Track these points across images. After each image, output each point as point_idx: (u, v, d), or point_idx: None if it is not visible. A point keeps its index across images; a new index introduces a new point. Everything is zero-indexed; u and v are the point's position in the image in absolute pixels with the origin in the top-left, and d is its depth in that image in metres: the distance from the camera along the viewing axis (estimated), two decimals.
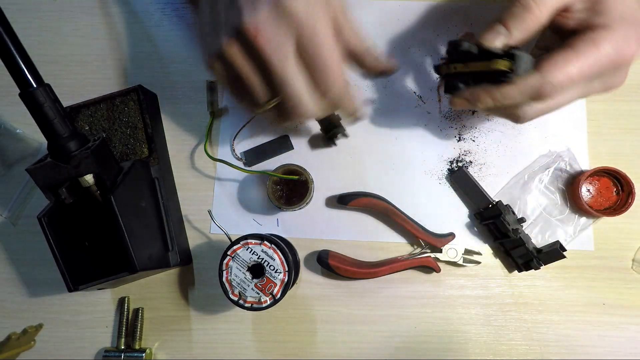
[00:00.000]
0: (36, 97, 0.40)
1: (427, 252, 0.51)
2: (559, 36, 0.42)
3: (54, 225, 0.43)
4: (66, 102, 0.48)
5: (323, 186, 0.54)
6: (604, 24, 0.38)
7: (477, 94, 0.40)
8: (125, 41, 0.58)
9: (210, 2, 0.39)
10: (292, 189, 0.50)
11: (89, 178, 0.43)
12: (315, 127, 0.55)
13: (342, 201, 0.51)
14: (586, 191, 0.52)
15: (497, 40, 0.38)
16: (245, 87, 0.40)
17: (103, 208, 0.43)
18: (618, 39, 0.37)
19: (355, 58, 0.41)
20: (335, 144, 0.53)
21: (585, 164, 0.53)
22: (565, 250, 0.49)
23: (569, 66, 0.37)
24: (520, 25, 0.38)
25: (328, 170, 0.54)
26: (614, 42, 0.37)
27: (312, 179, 0.50)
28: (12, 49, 0.39)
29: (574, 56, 0.37)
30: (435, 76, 0.55)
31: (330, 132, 0.51)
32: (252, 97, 0.40)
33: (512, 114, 0.42)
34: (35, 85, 0.40)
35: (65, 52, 0.58)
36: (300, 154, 0.55)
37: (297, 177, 0.49)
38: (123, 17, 0.59)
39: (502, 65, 0.38)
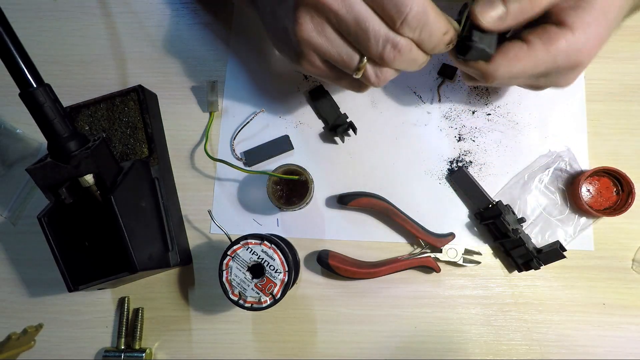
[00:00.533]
0: (36, 97, 0.40)
1: (427, 252, 0.51)
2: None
3: (54, 225, 0.43)
4: (66, 102, 0.48)
5: (323, 186, 0.54)
6: (571, 23, 0.36)
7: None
8: (125, 41, 0.58)
9: (271, 10, 0.40)
10: (292, 189, 0.50)
11: (89, 178, 0.43)
12: (316, 126, 0.55)
13: (342, 201, 0.51)
14: (586, 191, 0.52)
15: (490, 16, 0.36)
16: (336, 61, 0.38)
17: (103, 208, 0.43)
18: (574, 46, 0.37)
19: None
20: (342, 140, 0.54)
21: (585, 164, 0.53)
22: (565, 250, 0.49)
23: (516, 64, 0.37)
24: (520, 7, 0.36)
25: (328, 170, 0.54)
26: (569, 48, 0.37)
27: (312, 179, 0.50)
28: (12, 49, 0.39)
29: (525, 55, 0.37)
30: (435, 76, 0.55)
31: (339, 126, 0.52)
32: (347, 67, 0.38)
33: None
34: (35, 85, 0.40)
35: (65, 52, 0.58)
36: (300, 154, 0.55)
37: (297, 177, 0.49)
38: (123, 17, 0.59)
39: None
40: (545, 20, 0.38)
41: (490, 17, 0.36)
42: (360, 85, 0.42)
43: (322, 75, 0.41)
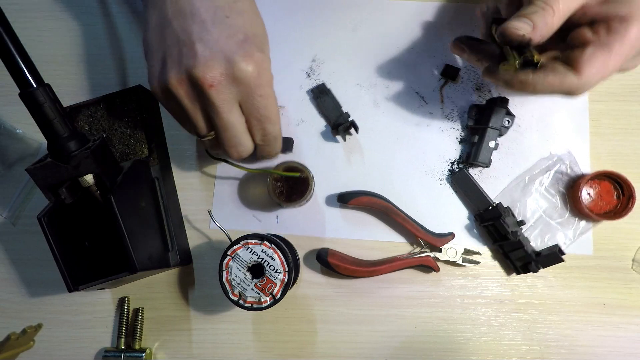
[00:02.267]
0: (36, 97, 0.40)
1: (426, 252, 0.51)
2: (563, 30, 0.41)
3: (54, 225, 0.43)
4: (66, 102, 0.48)
5: (323, 184, 0.54)
6: (628, 14, 0.37)
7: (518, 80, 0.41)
8: (125, 41, 0.58)
9: (160, 27, 0.41)
10: (292, 186, 0.50)
11: (89, 178, 0.43)
12: (318, 124, 0.55)
13: (343, 199, 0.51)
14: (586, 195, 0.52)
15: (522, 30, 0.39)
16: (189, 119, 0.43)
17: (103, 208, 0.43)
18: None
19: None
20: (344, 139, 0.54)
21: (587, 165, 0.53)
22: (564, 254, 0.49)
23: (606, 66, 0.38)
24: (544, 21, 0.38)
25: (329, 168, 0.54)
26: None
27: (312, 176, 0.49)
28: (12, 49, 0.39)
29: (608, 56, 0.38)
30: (438, 77, 0.55)
31: (341, 125, 0.52)
32: (194, 128, 0.44)
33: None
34: (35, 85, 0.40)
35: (65, 52, 0.58)
36: (301, 151, 0.55)
37: (297, 174, 0.49)
38: (123, 17, 0.59)
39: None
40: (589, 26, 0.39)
41: (520, 28, 0.38)
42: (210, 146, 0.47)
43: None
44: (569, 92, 0.40)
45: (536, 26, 0.38)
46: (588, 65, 0.38)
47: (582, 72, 0.38)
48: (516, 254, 0.49)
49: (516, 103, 0.54)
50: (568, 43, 0.41)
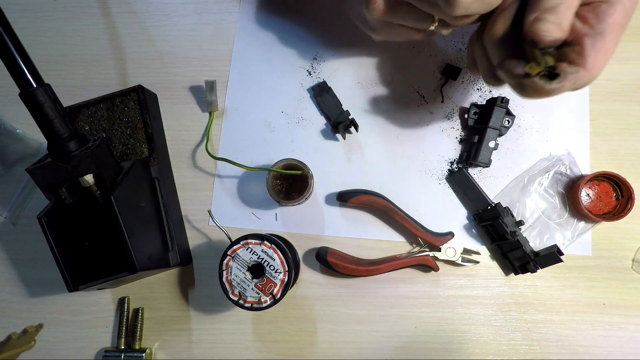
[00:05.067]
0: (36, 97, 0.40)
1: (425, 251, 0.51)
2: None
3: (54, 225, 0.43)
4: (66, 102, 0.48)
5: (323, 182, 0.54)
6: None
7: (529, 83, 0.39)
8: (125, 41, 0.58)
9: None
10: (291, 184, 0.50)
11: (89, 178, 0.43)
12: (318, 122, 0.55)
13: (342, 198, 0.51)
14: (586, 195, 0.52)
15: (555, 34, 0.37)
16: (409, 29, 0.43)
17: (103, 208, 0.43)
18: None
19: None
20: (344, 137, 0.54)
21: (586, 165, 0.53)
22: (563, 254, 0.49)
23: (607, 51, 0.37)
24: (565, 14, 0.36)
25: (328, 166, 0.54)
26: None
27: (312, 174, 0.49)
28: (12, 49, 0.39)
29: (606, 41, 0.37)
30: (438, 76, 0.55)
31: (341, 123, 0.52)
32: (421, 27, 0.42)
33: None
34: (35, 85, 0.40)
35: (65, 52, 0.58)
36: (301, 149, 0.55)
37: (296, 172, 0.49)
38: (123, 17, 0.59)
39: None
40: None
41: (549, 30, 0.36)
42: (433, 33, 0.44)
43: (398, 39, 0.45)
44: (581, 87, 0.38)
45: (563, 26, 0.36)
46: (594, 59, 0.37)
47: (591, 67, 0.37)
48: (514, 254, 0.49)
49: (516, 103, 0.54)
50: None
